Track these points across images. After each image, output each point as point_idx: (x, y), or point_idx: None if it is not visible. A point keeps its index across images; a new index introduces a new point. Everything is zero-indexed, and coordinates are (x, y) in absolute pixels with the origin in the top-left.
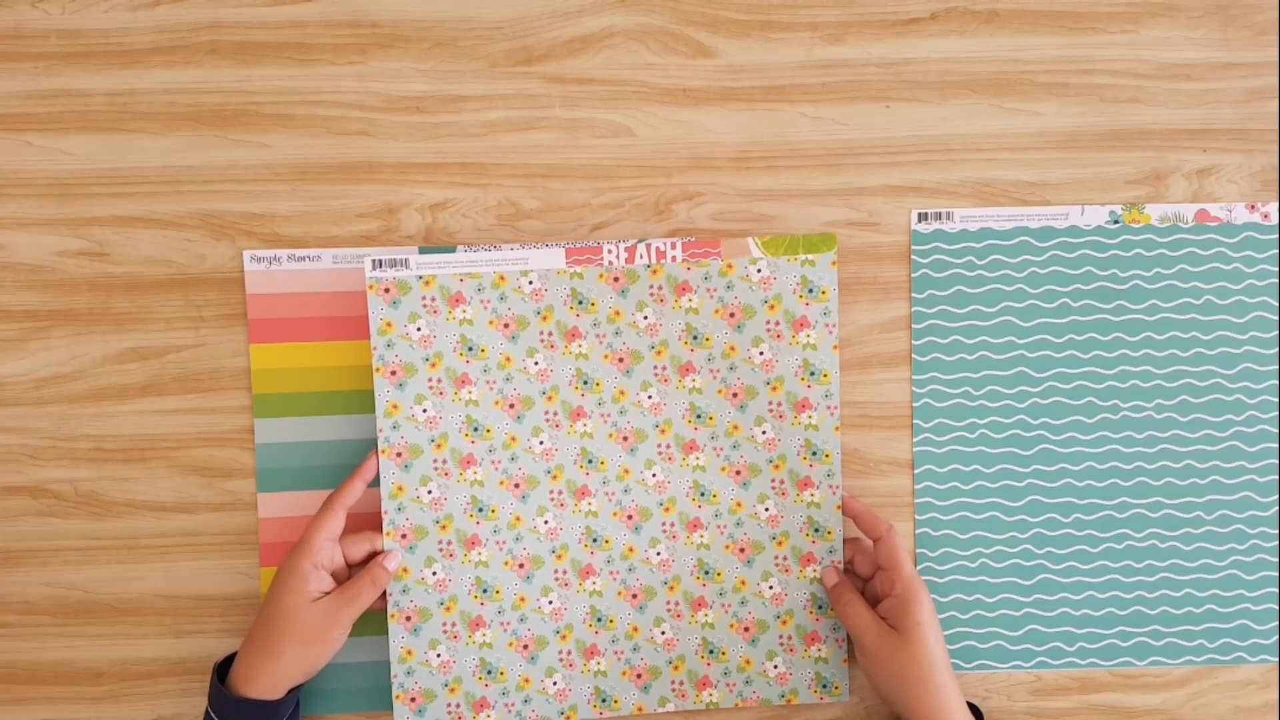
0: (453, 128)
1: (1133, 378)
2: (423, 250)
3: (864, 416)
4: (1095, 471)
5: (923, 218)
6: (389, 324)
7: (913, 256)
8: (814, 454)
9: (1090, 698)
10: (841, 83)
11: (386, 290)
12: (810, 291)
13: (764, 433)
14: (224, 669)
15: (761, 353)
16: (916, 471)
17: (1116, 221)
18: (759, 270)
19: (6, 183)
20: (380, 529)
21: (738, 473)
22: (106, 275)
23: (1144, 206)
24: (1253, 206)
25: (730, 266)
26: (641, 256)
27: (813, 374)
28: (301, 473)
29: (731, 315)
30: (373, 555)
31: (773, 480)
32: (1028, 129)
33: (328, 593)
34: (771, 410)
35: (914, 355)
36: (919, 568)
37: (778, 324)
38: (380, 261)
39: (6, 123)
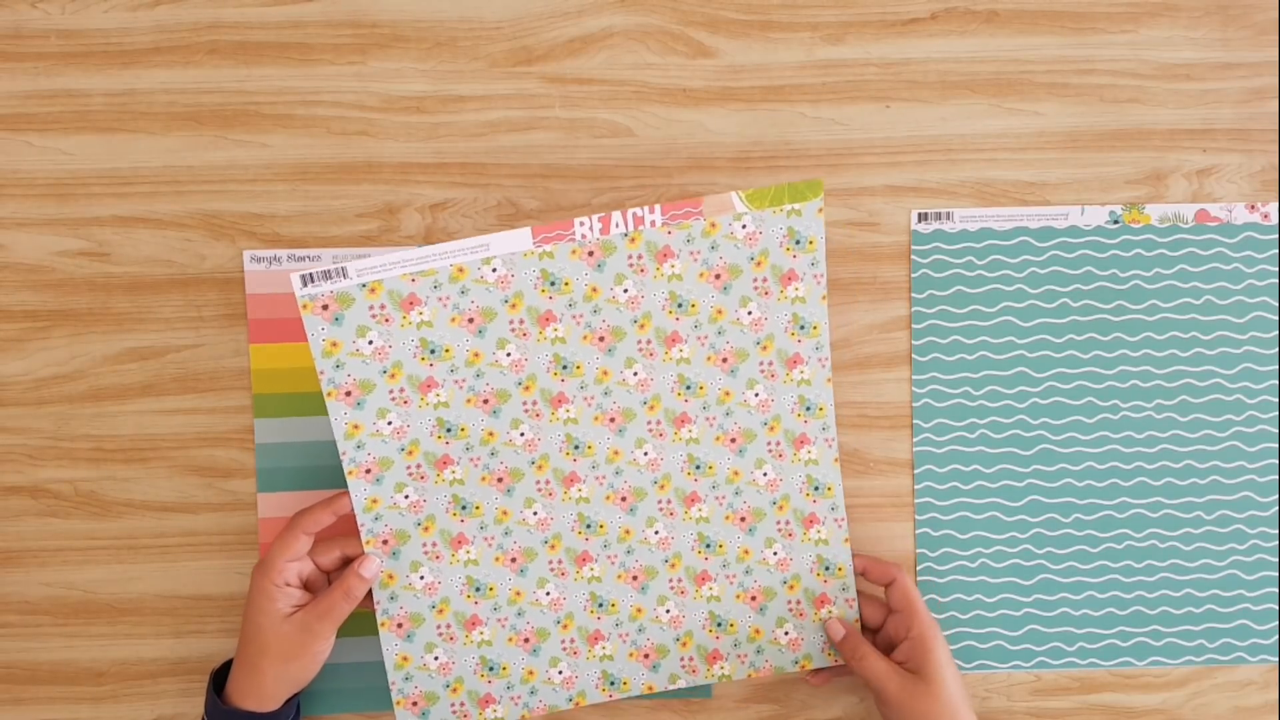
0: (453, 128)
1: (1133, 378)
2: None
3: (864, 416)
4: (1095, 471)
5: (923, 218)
6: (334, 343)
7: (913, 256)
8: (808, 409)
9: (1090, 698)
10: (841, 83)
11: (325, 307)
12: (797, 243)
13: (756, 395)
14: (221, 676)
15: (750, 312)
16: (916, 471)
17: (1116, 221)
18: (744, 226)
19: (6, 183)
20: (351, 533)
21: (732, 440)
22: (106, 275)
23: (1144, 206)
24: (1253, 206)
25: (714, 225)
26: (618, 225)
27: (802, 328)
28: (301, 473)
29: (717, 277)
30: (345, 561)
31: (769, 443)
32: (1028, 129)
33: (301, 605)
34: (763, 371)
35: (914, 355)
36: (919, 568)
37: (765, 280)
38: (312, 276)
39: (6, 123)
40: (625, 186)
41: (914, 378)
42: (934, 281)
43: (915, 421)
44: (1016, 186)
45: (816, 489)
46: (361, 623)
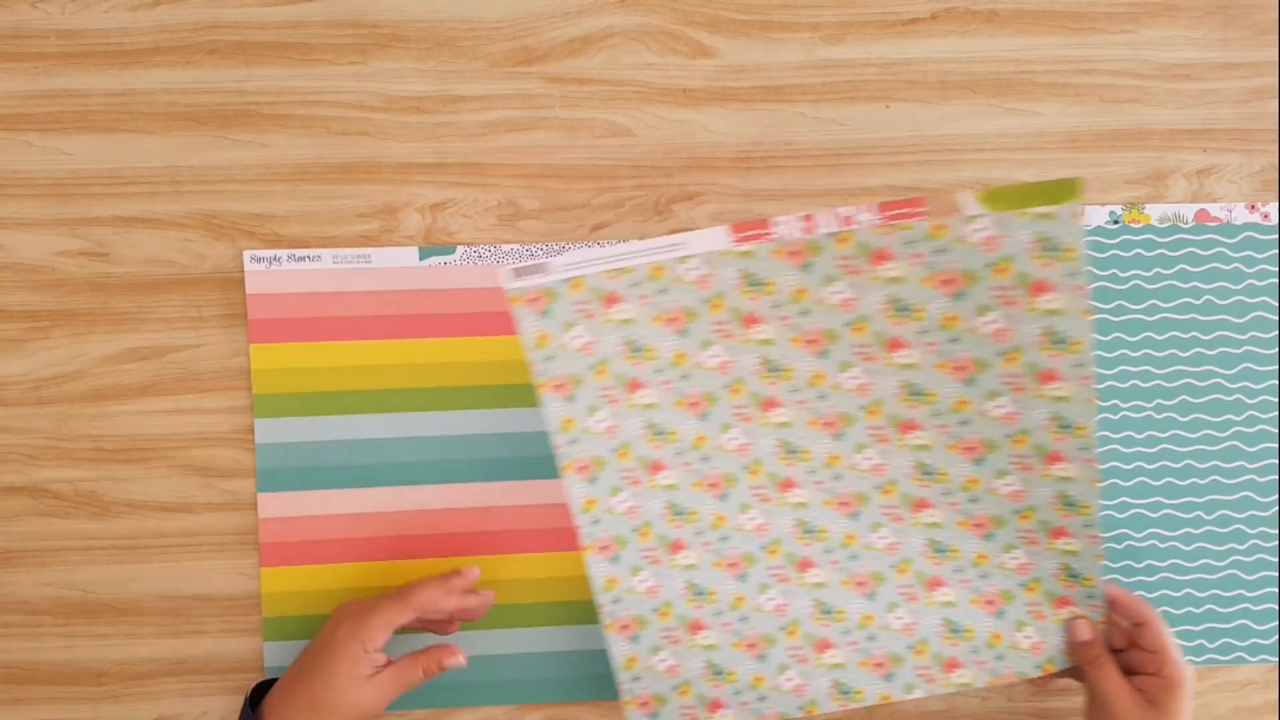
0: (453, 128)
1: (1133, 378)
2: (423, 252)
3: None
4: None
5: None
6: (544, 336)
7: None
8: (1064, 428)
9: None
10: (841, 83)
11: (533, 300)
12: (1051, 250)
13: (999, 407)
14: (257, 692)
15: (991, 321)
16: None
17: (1116, 222)
18: (978, 229)
19: (6, 183)
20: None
21: (969, 449)
22: (106, 275)
23: (1144, 206)
24: (1253, 206)
25: (940, 228)
26: (822, 225)
27: (1059, 342)
28: (301, 473)
29: (947, 282)
30: (422, 623)
31: (1013, 456)
32: (1028, 129)
33: (380, 666)
34: (1006, 383)
35: None
36: None
37: (1009, 289)
38: (519, 270)
39: (6, 123)
40: (625, 186)
41: None
42: None
43: None
44: None
45: (1070, 505)
46: None
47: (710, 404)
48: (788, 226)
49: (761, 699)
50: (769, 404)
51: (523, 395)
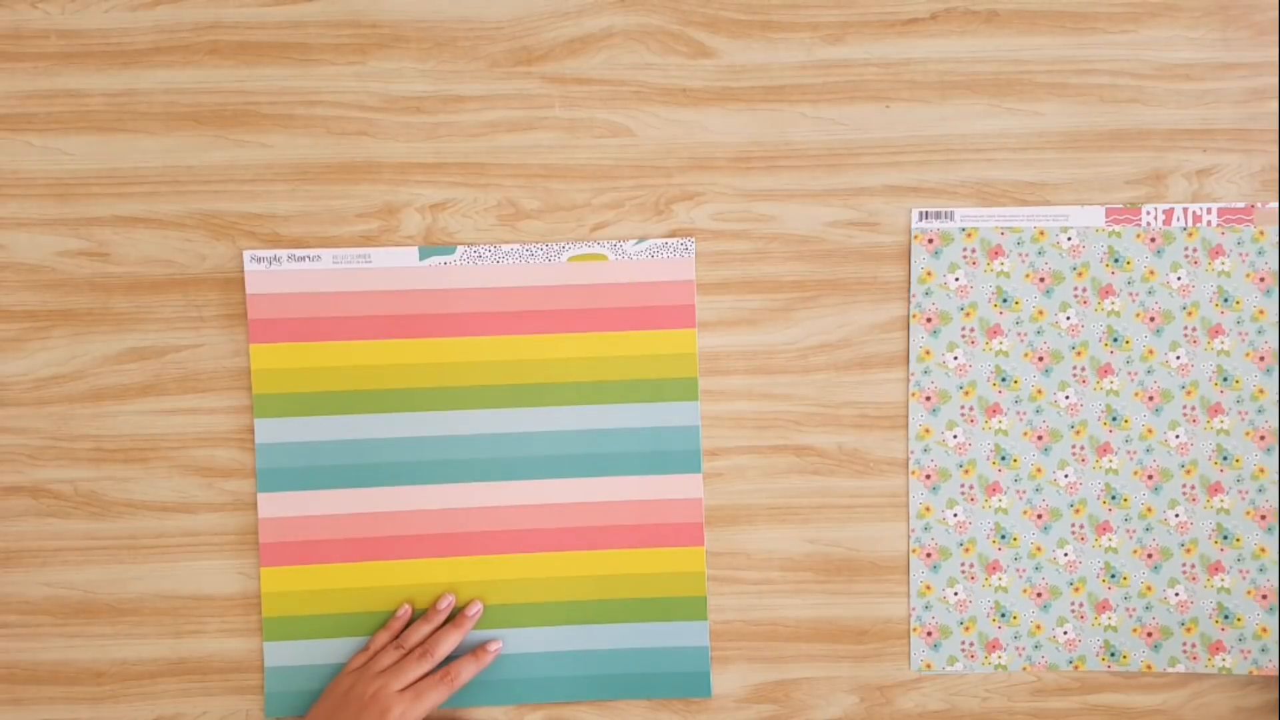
0: (453, 128)
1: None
2: (423, 252)
3: (864, 416)
4: None
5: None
6: (929, 273)
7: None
8: None
9: (1090, 698)
10: (841, 83)
11: (930, 241)
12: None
13: None
14: None
15: None
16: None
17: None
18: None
19: (6, 183)
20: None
21: (1262, 438)
22: (106, 275)
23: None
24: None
25: (1262, 233)
26: (1179, 219)
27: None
28: (301, 473)
29: (1262, 280)
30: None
31: None
32: (1028, 129)
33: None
34: None
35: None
36: None
37: None
38: (926, 213)
39: (6, 123)
40: (625, 186)
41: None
42: None
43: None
44: (1016, 186)
45: None
46: (359, 623)
47: (1055, 361)
48: (1153, 216)
49: (1036, 647)
50: (1105, 371)
51: (522, 395)
